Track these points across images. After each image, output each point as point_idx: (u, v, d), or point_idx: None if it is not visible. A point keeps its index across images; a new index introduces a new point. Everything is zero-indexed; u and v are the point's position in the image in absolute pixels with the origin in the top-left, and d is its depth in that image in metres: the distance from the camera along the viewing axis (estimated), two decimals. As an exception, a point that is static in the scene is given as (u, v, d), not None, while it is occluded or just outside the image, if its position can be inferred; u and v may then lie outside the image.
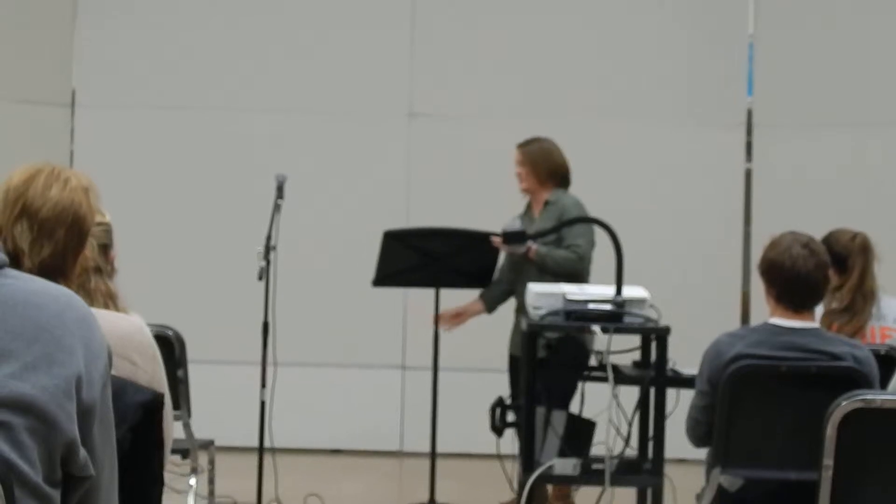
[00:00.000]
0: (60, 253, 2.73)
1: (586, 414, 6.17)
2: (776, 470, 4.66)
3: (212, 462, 6.22)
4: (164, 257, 8.84)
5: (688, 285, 8.55)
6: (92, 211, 2.80)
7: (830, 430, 3.77)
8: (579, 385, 6.28)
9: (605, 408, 5.69)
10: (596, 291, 5.93)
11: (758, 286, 5.77)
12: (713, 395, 4.68)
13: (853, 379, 4.48)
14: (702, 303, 8.51)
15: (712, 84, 8.99)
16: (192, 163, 8.99)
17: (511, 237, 6.66)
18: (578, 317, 5.76)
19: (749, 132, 9.04)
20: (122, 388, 2.65)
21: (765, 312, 4.82)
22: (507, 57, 9.03)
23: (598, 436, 5.93)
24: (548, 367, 6.21)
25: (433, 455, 7.10)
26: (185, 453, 5.88)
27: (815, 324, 4.73)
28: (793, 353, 4.62)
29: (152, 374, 3.29)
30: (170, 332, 5.59)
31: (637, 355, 6.07)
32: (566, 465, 5.80)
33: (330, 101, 9.04)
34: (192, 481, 5.88)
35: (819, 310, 5.01)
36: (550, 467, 5.77)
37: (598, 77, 9.02)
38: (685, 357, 5.82)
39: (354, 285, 8.15)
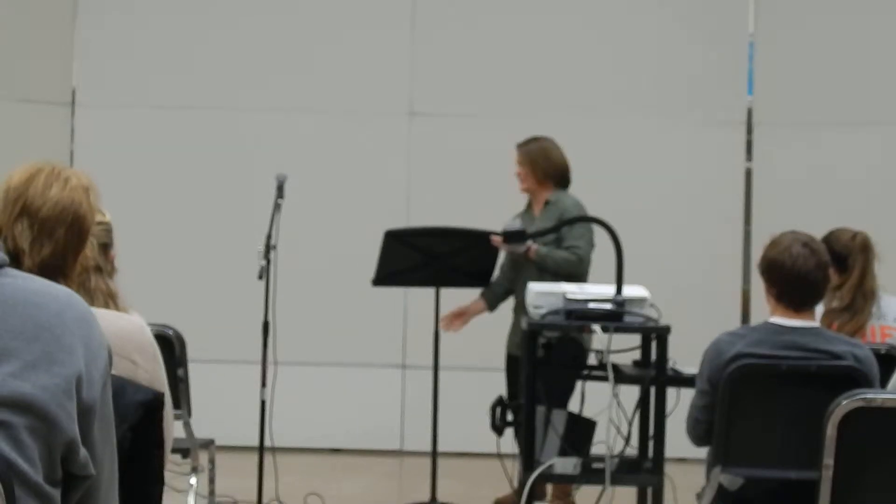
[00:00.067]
0: (61, 252, 2.73)
1: (587, 413, 6.16)
2: (776, 469, 4.66)
3: (212, 461, 6.22)
4: (165, 257, 8.84)
5: (688, 285, 8.54)
6: (92, 210, 2.79)
7: (831, 430, 3.77)
8: (579, 384, 6.29)
9: (606, 407, 5.69)
10: (596, 291, 5.92)
11: (758, 285, 5.77)
12: (713, 394, 4.67)
13: (853, 378, 4.48)
14: (702, 302, 8.50)
15: (712, 83, 8.99)
16: (192, 162, 8.99)
17: (511, 236, 6.67)
18: (579, 316, 5.76)
19: (749, 131, 9.04)
20: (122, 388, 2.65)
21: (765, 312, 4.82)
22: (507, 57, 9.02)
23: (599, 435, 5.93)
24: (546, 366, 6.21)
25: (434, 454, 7.10)
26: (185, 452, 5.87)
27: (815, 323, 4.72)
28: (793, 353, 4.62)
29: (153, 373, 3.29)
30: (170, 332, 5.59)
31: (637, 354, 6.07)
32: (566, 465, 5.80)
33: (330, 101, 9.04)
34: (193, 480, 5.88)
35: (819, 309, 5.01)
36: (551, 466, 5.78)
37: (599, 77, 9.02)
38: (685, 356, 5.82)
39: (354, 285, 8.14)
